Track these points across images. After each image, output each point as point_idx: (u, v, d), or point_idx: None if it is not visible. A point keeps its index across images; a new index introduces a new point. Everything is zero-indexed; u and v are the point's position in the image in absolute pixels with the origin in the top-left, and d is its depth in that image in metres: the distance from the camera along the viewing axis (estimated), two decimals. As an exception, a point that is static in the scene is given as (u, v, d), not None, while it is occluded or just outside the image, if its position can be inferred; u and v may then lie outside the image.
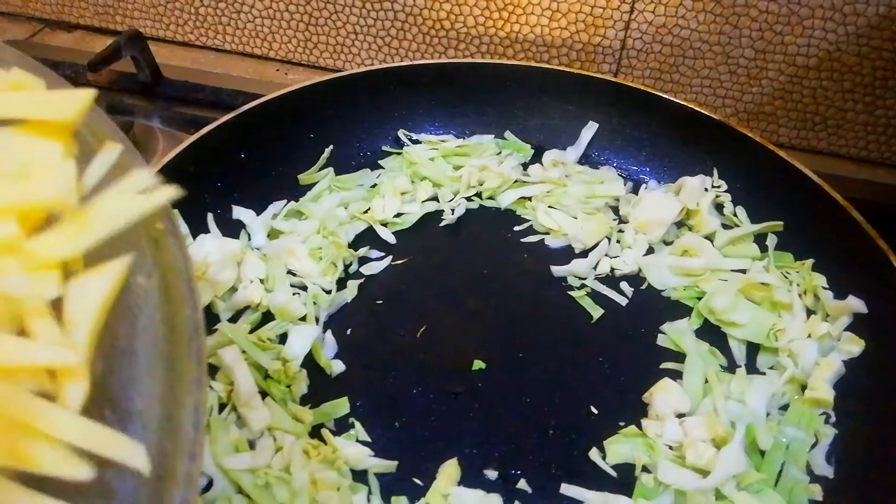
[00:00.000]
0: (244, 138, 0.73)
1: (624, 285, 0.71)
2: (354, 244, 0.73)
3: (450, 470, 0.53)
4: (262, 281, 0.65)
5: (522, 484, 0.55)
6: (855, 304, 0.63)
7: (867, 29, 0.93)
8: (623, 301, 0.70)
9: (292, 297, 0.63)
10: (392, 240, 0.74)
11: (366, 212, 0.75)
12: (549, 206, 0.78)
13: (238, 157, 0.73)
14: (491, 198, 0.80)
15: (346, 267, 0.70)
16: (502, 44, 1.04)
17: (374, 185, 0.79)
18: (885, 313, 0.62)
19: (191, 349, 0.29)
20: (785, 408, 0.60)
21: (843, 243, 0.67)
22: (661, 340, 0.66)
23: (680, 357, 0.64)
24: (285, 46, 1.12)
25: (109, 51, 0.95)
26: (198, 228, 0.67)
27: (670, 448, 0.56)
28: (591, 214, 0.77)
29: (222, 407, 0.56)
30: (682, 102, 0.79)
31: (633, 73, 1.03)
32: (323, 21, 1.08)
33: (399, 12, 1.04)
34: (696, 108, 0.78)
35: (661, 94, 0.80)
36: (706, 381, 0.61)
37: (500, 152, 0.84)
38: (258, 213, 0.72)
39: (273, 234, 0.71)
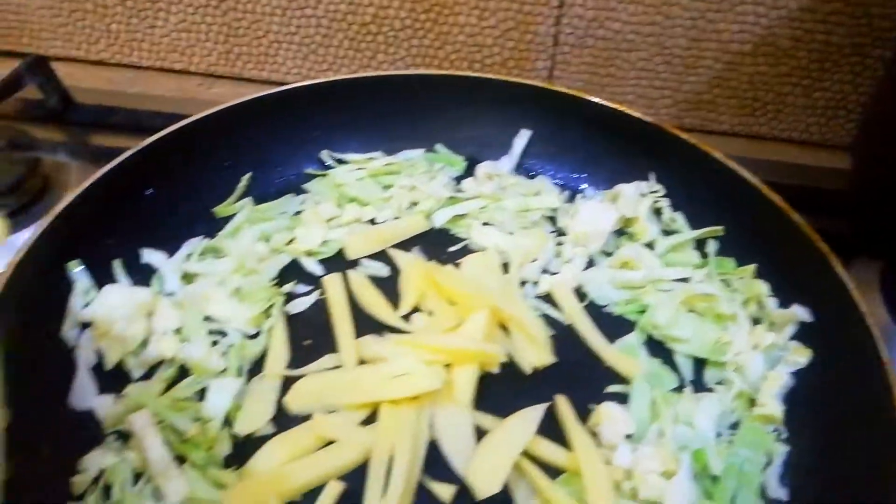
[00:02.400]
0: (151, 172, 0.68)
1: (565, 303, 0.68)
2: (279, 279, 0.68)
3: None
4: (176, 331, 0.60)
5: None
6: (799, 312, 0.61)
7: (799, 12, 0.92)
8: (565, 320, 0.67)
9: (210, 349, 0.59)
10: (319, 271, 0.69)
11: (289, 242, 0.71)
12: (484, 223, 0.74)
13: (144, 194, 0.68)
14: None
15: (270, 307, 0.65)
16: (433, 45, 1.00)
17: (299, 212, 0.75)
18: (830, 320, 0.60)
19: None
20: (736, 426, 0.58)
21: (784, 247, 0.65)
22: (611, 361, 0.63)
23: (625, 379, 0.61)
24: (206, 59, 1.07)
25: (9, 80, 0.89)
26: (105, 278, 0.62)
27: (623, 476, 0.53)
28: (528, 229, 0.73)
29: (137, 477, 0.52)
30: (615, 106, 0.76)
31: (569, 69, 1.00)
32: (243, 31, 1.02)
33: (322, 18, 0.99)
34: (629, 112, 0.75)
35: (592, 99, 0.77)
36: (654, 403, 0.58)
37: (431, 167, 0.80)
38: (171, 255, 0.67)
39: (188, 278, 0.66)
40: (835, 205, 0.86)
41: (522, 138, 0.81)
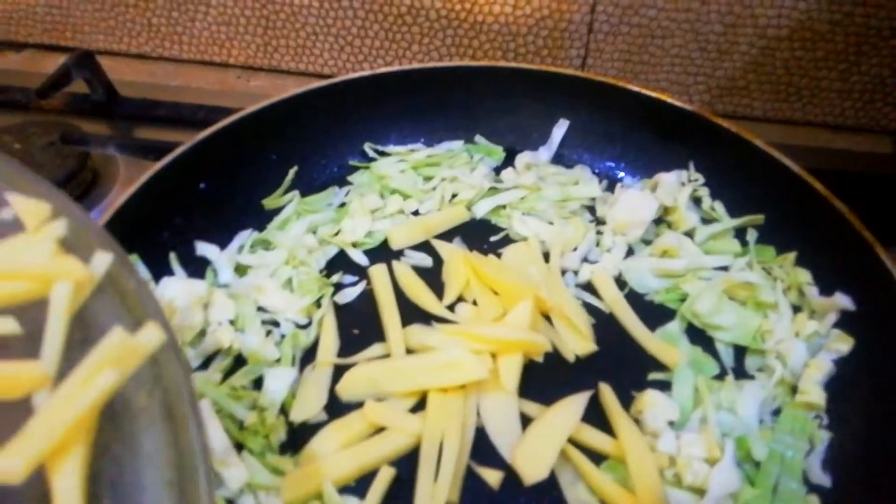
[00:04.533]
0: (202, 168, 0.70)
1: (605, 291, 0.69)
2: (327, 270, 0.70)
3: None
4: (231, 322, 0.62)
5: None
6: (842, 301, 0.61)
7: (838, -5, 0.91)
8: (606, 308, 0.68)
9: (265, 339, 0.61)
10: (365, 261, 0.71)
11: (336, 234, 0.73)
12: (524, 213, 0.75)
13: (197, 189, 0.70)
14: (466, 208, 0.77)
15: (320, 298, 0.67)
16: (467, 35, 1.01)
17: (343, 204, 0.76)
18: (873, 308, 0.60)
19: (198, 475, 0.28)
20: (778, 412, 0.59)
21: (826, 235, 0.65)
22: (652, 349, 0.64)
23: (666, 366, 0.62)
24: (245, 52, 1.08)
25: (59, 74, 0.91)
26: (161, 270, 0.65)
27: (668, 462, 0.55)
28: (567, 218, 0.74)
29: (198, 464, 0.54)
30: (653, 94, 0.76)
31: (602, 57, 1.01)
32: (281, 24, 1.04)
33: (359, 10, 1.00)
34: (668, 100, 0.76)
35: (630, 87, 0.77)
36: (696, 390, 0.60)
37: (471, 158, 0.81)
38: (223, 247, 0.69)
39: (241, 270, 0.68)
40: (871, 189, 0.86)
41: (561, 128, 0.82)
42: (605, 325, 0.66)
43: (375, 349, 0.62)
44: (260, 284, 0.64)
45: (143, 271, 0.62)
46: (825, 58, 0.96)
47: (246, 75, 1.10)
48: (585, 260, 0.72)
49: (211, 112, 0.94)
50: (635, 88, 0.77)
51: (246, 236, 0.71)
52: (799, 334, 0.62)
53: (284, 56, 1.08)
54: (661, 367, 0.63)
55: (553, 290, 0.66)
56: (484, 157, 0.82)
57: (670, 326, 0.65)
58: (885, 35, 0.93)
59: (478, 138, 0.84)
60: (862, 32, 0.93)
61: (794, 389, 0.60)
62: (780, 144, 0.97)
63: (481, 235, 0.75)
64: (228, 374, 0.60)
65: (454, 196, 0.77)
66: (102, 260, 0.33)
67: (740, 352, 0.64)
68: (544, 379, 0.61)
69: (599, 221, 0.76)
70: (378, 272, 0.68)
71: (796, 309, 0.65)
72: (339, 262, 0.71)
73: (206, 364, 0.61)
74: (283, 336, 0.63)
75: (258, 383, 0.59)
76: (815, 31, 0.94)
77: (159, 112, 0.97)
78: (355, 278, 0.70)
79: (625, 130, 0.80)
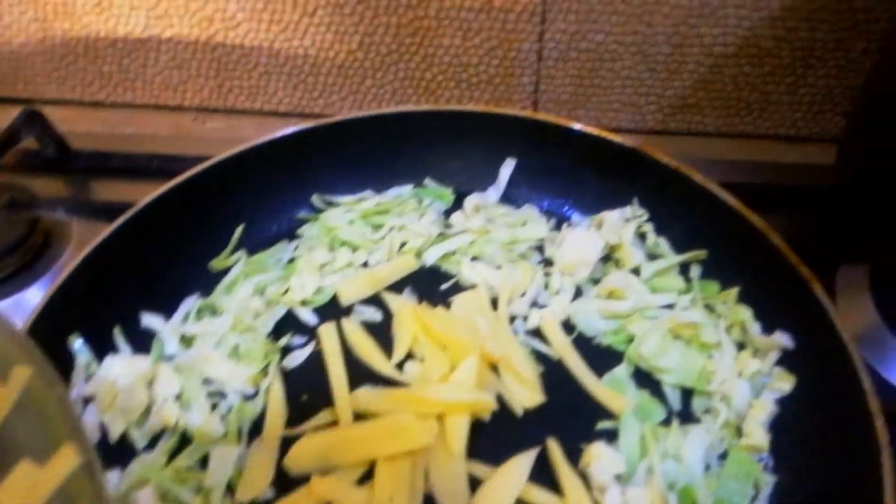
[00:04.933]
0: (146, 234, 0.70)
1: (554, 336, 0.70)
2: (275, 332, 0.70)
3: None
4: (177, 397, 0.62)
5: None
6: (781, 339, 0.62)
7: (781, 11, 0.92)
8: (555, 354, 0.68)
9: (210, 416, 0.61)
10: (314, 320, 0.71)
11: (284, 293, 0.73)
12: (473, 258, 0.76)
13: (141, 255, 0.70)
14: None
15: (267, 365, 0.66)
16: (419, 68, 1.01)
17: (292, 260, 0.76)
18: (812, 346, 0.61)
19: None
20: (724, 457, 0.60)
21: (765, 271, 0.66)
22: (600, 396, 0.64)
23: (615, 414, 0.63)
24: (199, 94, 1.08)
25: (6, 135, 0.91)
26: (105, 345, 0.64)
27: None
28: (515, 262, 0.75)
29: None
30: (596, 132, 0.77)
31: (554, 83, 1.01)
32: (233, 65, 1.04)
33: (310, 48, 1.01)
34: (610, 138, 0.76)
35: (573, 126, 0.78)
36: (642, 439, 0.60)
37: (420, 204, 0.81)
38: (169, 316, 0.69)
39: (187, 340, 0.68)
40: (824, 202, 0.87)
41: (508, 167, 0.82)
42: (553, 372, 0.67)
43: (323, 416, 0.62)
44: (206, 355, 0.64)
45: (86, 353, 0.62)
46: (772, 72, 0.97)
47: (202, 117, 1.10)
48: (535, 304, 0.72)
49: (165, 161, 0.94)
50: (577, 127, 0.78)
51: (191, 303, 0.70)
52: (742, 374, 0.63)
53: (239, 96, 1.08)
54: (609, 415, 0.63)
55: (500, 341, 0.66)
56: (433, 202, 0.81)
57: (617, 371, 0.65)
58: (830, 47, 0.94)
59: (427, 182, 0.84)
60: (807, 46, 0.94)
61: (739, 431, 0.60)
62: (732, 161, 0.99)
63: (431, 284, 0.75)
64: (174, 453, 0.60)
65: (403, 245, 0.77)
66: (21, 375, 0.32)
67: (687, 394, 0.64)
68: (493, 436, 0.61)
69: (548, 262, 0.76)
70: (327, 332, 0.69)
71: (740, 347, 0.66)
72: (288, 323, 0.71)
73: (152, 444, 0.61)
74: (229, 409, 0.63)
75: (205, 461, 0.59)
76: (760, 47, 0.95)
77: (113, 163, 0.96)
78: (304, 339, 0.70)
79: (570, 169, 0.80)
